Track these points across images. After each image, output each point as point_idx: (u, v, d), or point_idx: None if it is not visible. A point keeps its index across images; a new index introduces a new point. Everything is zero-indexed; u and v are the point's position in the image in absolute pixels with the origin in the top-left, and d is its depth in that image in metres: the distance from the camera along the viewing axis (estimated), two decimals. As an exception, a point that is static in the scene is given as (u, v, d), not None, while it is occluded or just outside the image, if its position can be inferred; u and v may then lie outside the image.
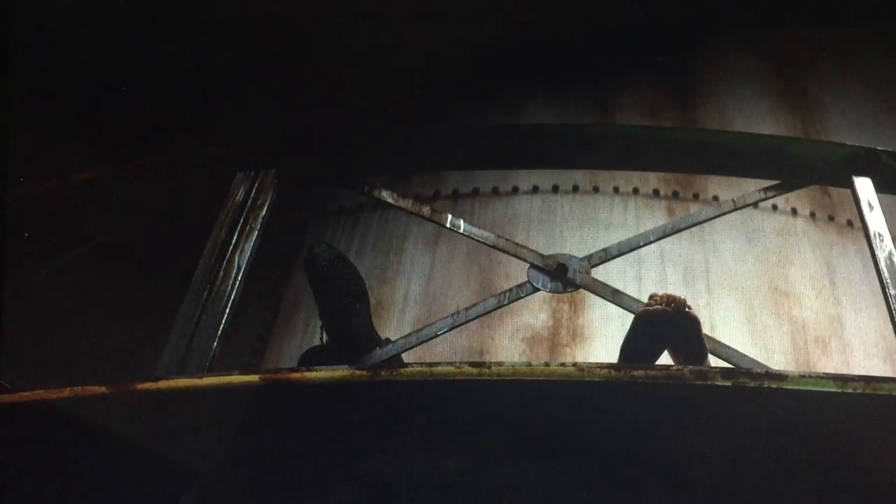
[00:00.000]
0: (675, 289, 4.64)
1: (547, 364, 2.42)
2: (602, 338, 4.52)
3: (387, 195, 3.20)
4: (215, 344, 2.82)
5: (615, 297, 2.85)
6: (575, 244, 4.85)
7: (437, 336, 2.82)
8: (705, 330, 4.48)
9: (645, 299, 4.65)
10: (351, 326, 2.82)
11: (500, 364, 2.42)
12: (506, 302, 2.87)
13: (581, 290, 4.14)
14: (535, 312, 4.62)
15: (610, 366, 2.41)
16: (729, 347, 2.71)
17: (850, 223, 4.74)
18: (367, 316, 2.88)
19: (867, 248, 3.13)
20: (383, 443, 2.55)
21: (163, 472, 2.60)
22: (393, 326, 4.65)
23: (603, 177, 4.99)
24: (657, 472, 2.47)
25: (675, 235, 4.87)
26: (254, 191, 3.17)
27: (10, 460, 2.57)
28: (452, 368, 2.45)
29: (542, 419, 2.49)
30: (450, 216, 3.11)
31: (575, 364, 2.41)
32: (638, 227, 4.87)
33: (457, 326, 2.82)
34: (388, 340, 2.86)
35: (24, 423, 2.58)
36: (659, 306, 2.70)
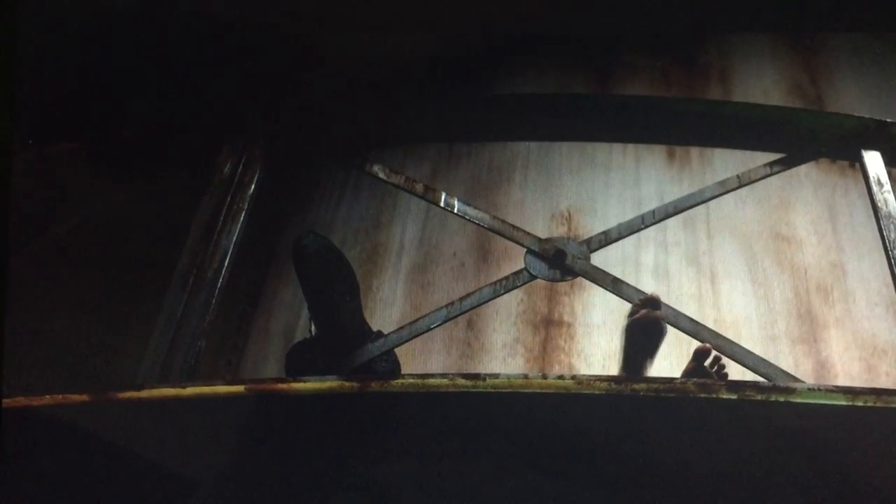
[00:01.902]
0: (675, 234, 4.48)
1: (544, 376, 2.25)
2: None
3: (378, 170, 2.98)
4: (202, 341, 2.64)
5: (615, 286, 2.67)
6: (573, 187, 4.67)
7: (431, 329, 2.63)
8: (707, 280, 4.35)
9: (644, 247, 4.51)
10: (341, 320, 2.63)
11: (495, 376, 2.26)
12: (502, 291, 2.70)
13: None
14: (533, 259, 4.44)
15: (610, 378, 2.24)
16: (735, 344, 2.53)
17: (852, 164, 4.53)
18: (359, 308, 2.69)
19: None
20: (378, 450, 2.39)
21: (158, 482, 2.45)
22: (388, 274, 4.50)
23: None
24: (659, 484, 2.32)
25: (675, 179, 4.70)
26: (241, 165, 2.95)
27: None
28: (445, 381, 2.28)
29: (540, 430, 2.32)
30: (444, 195, 2.89)
31: (574, 377, 2.24)
32: (637, 170, 4.69)
33: (451, 319, 2.64)
34: (380, 333, 2.68)
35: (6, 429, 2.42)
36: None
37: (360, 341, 2.63)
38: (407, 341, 2.64)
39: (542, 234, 4.59)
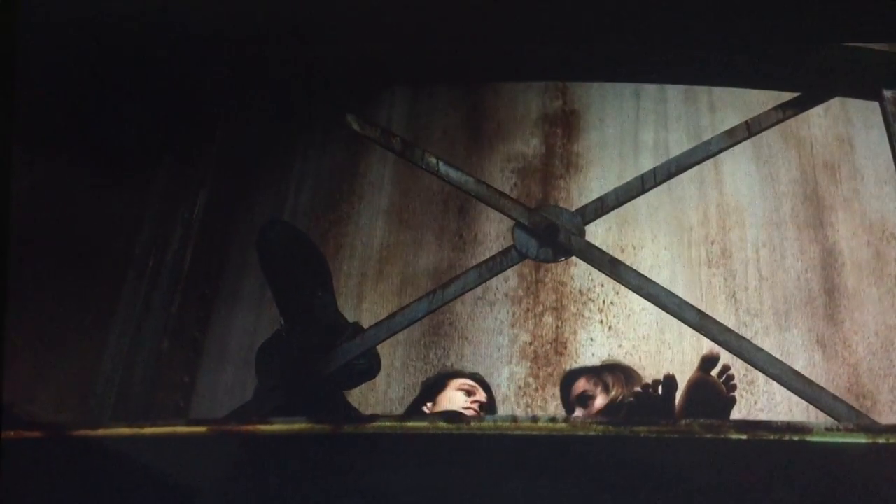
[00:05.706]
0: (675, 107, 4.05)
1: (535, 419, 1.94)
2: (598, 167, 4.00)
3: (352, 120, 2.55)
4: (165, 341, 2.33)
5: (612, 268, 2.30)
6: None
7: (413, 323, 2.29)
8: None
9: (643, 123, 4.07)
10: (312, 317, 2.28)
11: (479, 419, 1.94)
12: (488, 275, 2.33)
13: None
14: (527, 138, 4.06)
15: (607, 421, 1.93)
16: (743, 339, 2.19)
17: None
18: (332, 302, 2.34)
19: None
20: (353, 484, 2.13)
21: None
22: (376, 156, 4.13)
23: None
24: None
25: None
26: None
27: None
28: (425, 424, 1.98)
29: (533, 466, 2.04)
30: (424, 153, 2.48)
31: (567, 420, 1.93)
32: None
33: (434, 310, 2.29)
34: (357, 327, 2.34)
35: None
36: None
37: (334, 338, 2.29)
38: (385, 339, 2.30)
39: (538, 109, 4.17)
